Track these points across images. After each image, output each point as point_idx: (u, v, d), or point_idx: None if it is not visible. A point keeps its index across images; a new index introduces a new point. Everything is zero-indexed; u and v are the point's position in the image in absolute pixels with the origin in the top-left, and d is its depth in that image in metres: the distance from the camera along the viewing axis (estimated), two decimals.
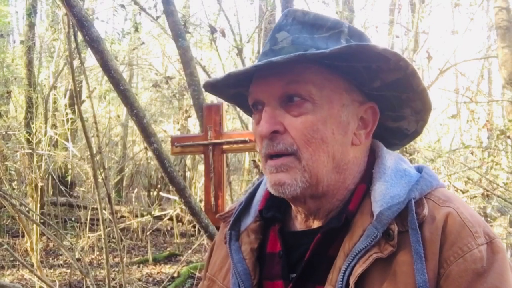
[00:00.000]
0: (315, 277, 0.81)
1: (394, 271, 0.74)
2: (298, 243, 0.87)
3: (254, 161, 5.66)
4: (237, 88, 0.93)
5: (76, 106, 3.83)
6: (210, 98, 7.79)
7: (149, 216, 8.62)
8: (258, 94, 0.84)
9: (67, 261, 6.42)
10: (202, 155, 3.09)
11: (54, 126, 7.95)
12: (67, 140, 7.27)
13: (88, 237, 6.66)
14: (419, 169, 0.88)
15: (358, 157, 0.86)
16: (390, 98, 0.87)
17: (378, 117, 0.88)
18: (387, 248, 0.75)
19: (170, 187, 2.87)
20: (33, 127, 6.89)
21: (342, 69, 0.82)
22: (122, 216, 8.55)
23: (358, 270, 0.74)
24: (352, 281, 0.74)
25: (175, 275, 6.21)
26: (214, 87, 0.91)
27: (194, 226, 7.86)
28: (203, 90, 3.67)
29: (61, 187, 8.07)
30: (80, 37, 2.89)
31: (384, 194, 0.80)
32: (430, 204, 0.79)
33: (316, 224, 0.87)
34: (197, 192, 8.56)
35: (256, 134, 0.86)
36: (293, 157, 0.81)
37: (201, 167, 8.82)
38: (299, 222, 0.89)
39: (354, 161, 0.85)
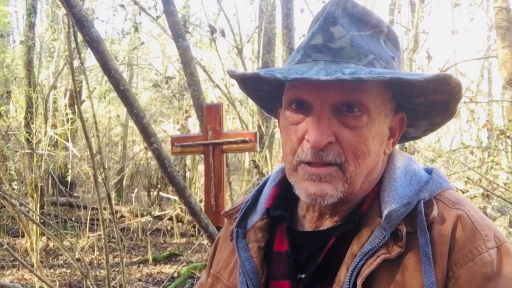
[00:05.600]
0: (323, 278, 0.80)
1: (402, 272, 0.74)
2: (306, 244, 0.85)
3: (254, 161, 5.66)
4: (262, 83, 0.89)
5: (76, 106, 3.83)
6: (210, 98, 7.80)
7: (149, 216, 8.61)
8: (306, 95, 0.78)
9: (67, 261, 6.42)
10: (202, 155, 3.10)
11: (54, 126, 7.95)
12: (67, 140, 7.28)
13: (88, 237, 6.66)
14: (428, 171, 0.87)
15: (382, 164, 0.85)
16: (420, 112, 0.85)
17: (404, 127, 0.87)
18: (395, 249, 0.74)
19: (170, 187, 2.87)
20: (33, 127, 6.89)
21: (396, 81, 0.78)
22: (122, 216, 8.54)
23: (366, 270, 0.73)
24: (359, 281, 0.73)
25: (175, 275, 6.21)
26: (245, 78, 0.87)
27: (194, 226, 7.85)
28: (203, 90, 3.69)
29: (61, 187, 8.07)
30: (80, 37, 2.89)
31: (393, 195, 0.79)
32: (439, 206, 0.78)
33: (327, 224, 0.85)
34: (197, 192, 8.57)
35: (290, 134, 0.81)
36: (337, 168, 0.78)
37: (201, 167, 8.81)
38: (308, 221, 0.88)
39: (379, 168, 0.85)
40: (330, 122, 0.77)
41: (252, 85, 0.91)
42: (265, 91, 0.92)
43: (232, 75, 0.85)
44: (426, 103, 0.83)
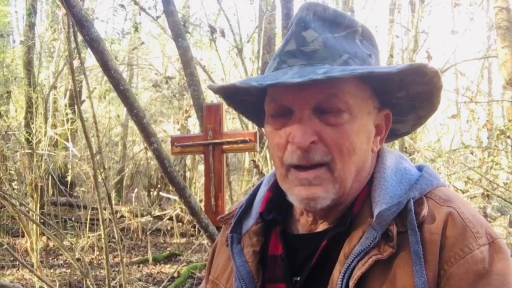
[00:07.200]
0: (318, 280, 0.80)
1: (394, 272, 0.74)
2: (301, 247, 0.85)
3: (254, 161, 5.66)
4: (247, 95, 0.89)
5: (76, 106, 3.83)
6: (210, 98, 7.80)
7: (149, 216, 8.61)
8: (286, 101, 0.79)
9: (67, 261, 6.42)
10: (202, 155, 3.09)
11: (54, 126, 7.94)
12: (67, 140, 7.27)
13: (88, 237, 6.66)
14: (420, 169, 0.87)
15: (371, 163, 0.86)
16: (404, 106, 0.86)
17: (390, 124, 0.88)
18: (386, 249, 0.74)
19: (170, 187, 2.87)
20: (33, 127, 6.89)
21: (375, 78, 0.80)
22: (122, 216, 8.54)
23: (357, 272, 0.74)
24: (351, 283, 0.73)
25: (175, 275, 6.21)
26: (229, 92, 0.88)
27: (194, 226, 7.85)
28: (203, 90, 3.68)
29: (61, 187, 8.07)
30: (80, 37, 2.89)
31: (384, 194, 0.79)
32: (430, 204, 0.78)
33: (321, 227, 0.85)
34: (197, 192, 8.56)
35: (275, 140, 0.82)
36: (325, 168, 0.78)
37: (201, 167, 8.81)
38: (302, 225, 0.88)
39: (369, 166, 0.85)
40: (312, 122, 0.78)
41: (237, 98, 0.91)
42: (250, 102, 0.92)
43: (213, 88, 0.86)
44: (408, 96, 0.83)
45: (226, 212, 1.02)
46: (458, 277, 0.71)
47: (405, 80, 0.79)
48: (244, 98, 0.91)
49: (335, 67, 0.76)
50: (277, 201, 0.91)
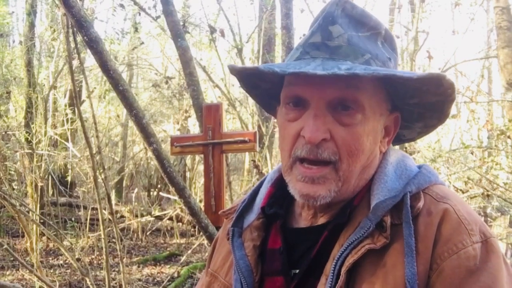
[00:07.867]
0: (316, 271, 0.81)
1: (385, 262, 0.75)
2: (300, 240, 0.87)
3: (254, 161, 5.65)
4: (262, 81, 0.90)
5: (75, 106, 3.83)
6: (209, 98, 7.79)
7: (149, 216, 8.62)
8: (303, 92, 0.80)
9: (67, 261, 6.41)
10: (202, 155, 3.09)
11: (54, 126, 7.94)
12: (67, 140, 7.27)
13: (88, 237, 6.66)
14: (419, 167, 0.88)
15: (377, 161, 0.87)
16: (414, 113, 0.88)
17: (399, 126, 0.89)
18: (380, 239, 0.76)
19: (170, 187, 2.87)
20: (33, 127, 6.89)
21: (392, 82, 0.81)
22: (122, 216, 8.54)
23: (350, 260, 0.75)
24: (343, 270, 0.75)
25: (175, 275, 6.21)
26: (245, 75, 0.89)
27: (194, 226, 7.86)
28: (202, 90, 3.67)
29: (61, 187, 8.07)
30: (79, 37, 2.88)
31: (382, 188, 0.81)
32: (427, 199, 0.80)
33: (321, 220, 0.87)
34: (197, 192, 8.57)
35: (286, 131, 0.83)
36: (331, 167, 0.80)
37: (201, 167, 8.80)
38: (303, 219, 0.90)
39: (375, 165, 0.87)
40: (326, 119, 0.79)
41: (252, 82, 0.92)
42: (264, 89, 0.93)
43: (233, 69, 0.87)
44: (420, 104, 0.85)
45: (229, 207, 1.03)
46: (450, 272, 0.72)
47: (420, 89, 0.80)
48: (259, 84, 0.92)
49: (357, 65, 0.78)
50: (279, 197, 0.93)
